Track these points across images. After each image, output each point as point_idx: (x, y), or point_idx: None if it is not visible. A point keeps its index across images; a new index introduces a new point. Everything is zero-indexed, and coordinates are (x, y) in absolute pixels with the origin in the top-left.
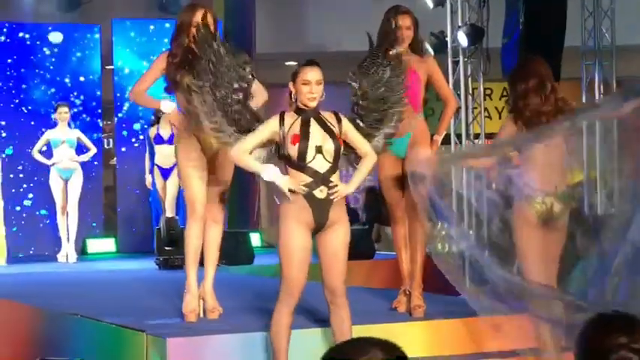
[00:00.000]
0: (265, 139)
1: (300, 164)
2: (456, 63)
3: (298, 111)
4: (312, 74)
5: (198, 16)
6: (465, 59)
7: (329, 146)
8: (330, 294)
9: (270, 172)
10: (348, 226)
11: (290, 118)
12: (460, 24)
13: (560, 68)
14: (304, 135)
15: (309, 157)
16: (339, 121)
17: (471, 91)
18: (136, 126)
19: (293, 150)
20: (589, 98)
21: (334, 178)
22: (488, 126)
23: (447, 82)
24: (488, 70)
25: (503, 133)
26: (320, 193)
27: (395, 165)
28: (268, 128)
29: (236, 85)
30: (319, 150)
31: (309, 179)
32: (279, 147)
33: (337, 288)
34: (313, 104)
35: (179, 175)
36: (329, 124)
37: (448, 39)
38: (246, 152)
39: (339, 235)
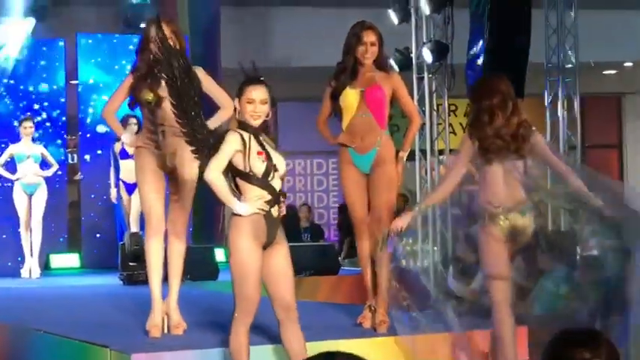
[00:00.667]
0: (230, 159)
1: (263, 181)
2: (420, 79)
3: (244, 126)
4: (257, 93)
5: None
6: (430, 75)
7: (281, 164)
8: (284, 311)
9: (245, 207)
10: (287, 245)
11: (244, 134)
12: (425, 40)
13: (524, 85)
14: (267, 152)
15: (271, 175)
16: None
17: (435, 107)
18: (101, 141)
19: (259, 166)
20: (553, 115)
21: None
22: (453, 142)
23: (412, 98)
24: (453, 87)
25: (462, 150)
26: (275, 211)
27: (360, 180)
28: (233, 146)
29: (196, 99)
30: (275, 168)
31: (269, 197)
32: (234, 165)
33: (291, 304)
34: (257, 123)
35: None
36: (271, 142)
37: (413, 55)
38: (221, 175)
39: (284, 252)
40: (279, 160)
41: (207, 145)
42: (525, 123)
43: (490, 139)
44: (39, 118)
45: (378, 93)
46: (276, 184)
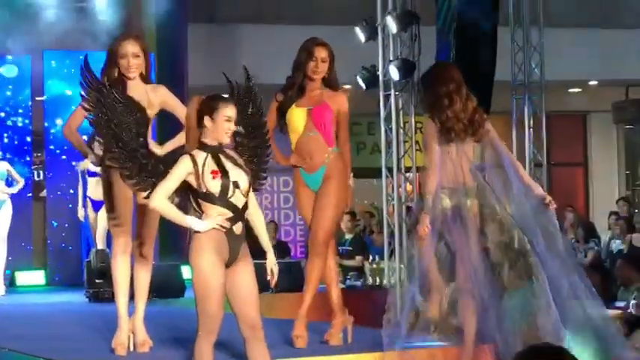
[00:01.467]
0: (180, 182)
1: (221, 199)
2: (387, 97)
3: (203, 147)
4: (232, 110)
5: (125, 47)
6: (397, 93)
7: (243, 181)
8: (250, 328)
9: (203, 224)
10: (251, 262)
11: (199, 155)
12: (392, 58)
13: (491, 102)
14: (223, 170)
15: (230, 193)
16: (240, 156)
17: (402, 125)
18: (65, 157)
19: (215, 185)
20: (519, 132)
21: (246, 213)
22: (419, 159)
23: (379, 115)
24: (419, 104)
25: (431, 135)
26: (237, 228)
27: (312, 200)
28: (183, 169)
29: (134, 131)
30: (236, 185)
31: (229, 214)
32: (192, 187)
33: (257, 322)
34: (228, 140)
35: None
36: (236, 159)
37: (380, 73)
38: (167, 200)
39: (249, 269)
40: (240, 176)
41: (155, 173)
42: (479, 109)
43: (452, 120)
44: (5, 135)
45: (325, 111)
46: (238, 200)
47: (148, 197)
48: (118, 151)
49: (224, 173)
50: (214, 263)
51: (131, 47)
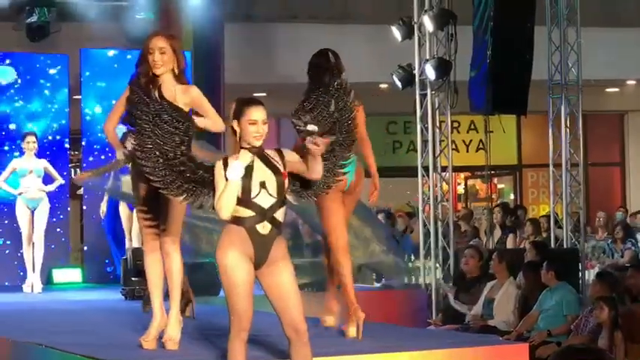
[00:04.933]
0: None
1: (244, 199)
2: (423, 96)
3: (242, 151)
4: (259, 114)
5: (153, 42)
6: (433, 92)
7: (272, 181)
8: (294, 332)
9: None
10: (291, 263)
11: (232, 160)
12: (428, 57)
13: (527, 102)
14: (247, 171)
15: (253, 193)
16: (281, 156)
17: (438, 124)
18: (104, 156)
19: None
20: (556, 132)
21: (279, 213)
22: (455, 159)
23: (415, 114)
24: (456, 103)
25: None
26: (262, 228)
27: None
28: (219, 175)
29: (177, 140)
30: (263, 185)
31: (252, 214)
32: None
33: (300, 326)
34: (259, 143)
35: None
36: (272, 161)
37: (416, 72)
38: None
39: (288, 271)
40: (269, 176)
41: (205, 182)
42: None
43: None
44: (43, 133)
45: None
46: (264, 200)
47: (200, 207)
48: (154, 160)
49: (247, 174)
50: (238, 259)
51: (158, 42)
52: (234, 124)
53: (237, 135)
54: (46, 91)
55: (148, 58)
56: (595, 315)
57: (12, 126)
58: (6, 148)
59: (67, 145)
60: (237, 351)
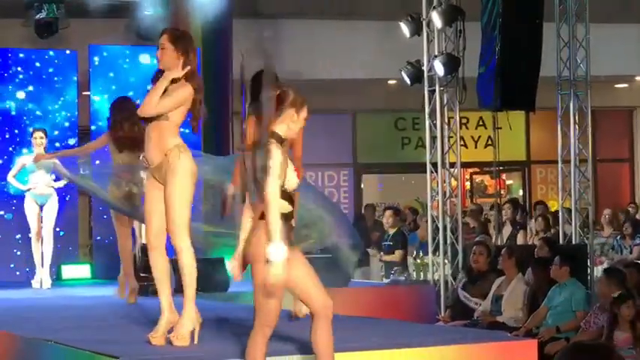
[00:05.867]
0: None
1: (290, 195)
2: (432, 92)
3: (279, 139)
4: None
5: (159, 39)
6: (441, 88)
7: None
8: (325, 308)
9: (281, 254)
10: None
11: (279, 146)
12: (436, 53)
13: (536, 98)
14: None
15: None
16: None
17: (446, 120)
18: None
19: (293, 182)
20: (565, 128)
21: None
22: (464, 155)
23: (424, 111)
24: (464, 100)
25: None
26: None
27: None
28: (277, 161)
29: None
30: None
31: (291, 208)
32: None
33: (329, 301)
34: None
35: None
36: None
37: (424, 68)
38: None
39: (301, 257)
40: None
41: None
42: None
43: None
44: (51, 129)
45: None
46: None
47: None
48: None
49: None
50: None
51: (161, 39)
52: (291, 113)
53: (281, 122)
54: (55, 87)
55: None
56: (622, 312)
57: (21, 122)
58: (14, 141)
59: (75, 141)
60: (258, 346)
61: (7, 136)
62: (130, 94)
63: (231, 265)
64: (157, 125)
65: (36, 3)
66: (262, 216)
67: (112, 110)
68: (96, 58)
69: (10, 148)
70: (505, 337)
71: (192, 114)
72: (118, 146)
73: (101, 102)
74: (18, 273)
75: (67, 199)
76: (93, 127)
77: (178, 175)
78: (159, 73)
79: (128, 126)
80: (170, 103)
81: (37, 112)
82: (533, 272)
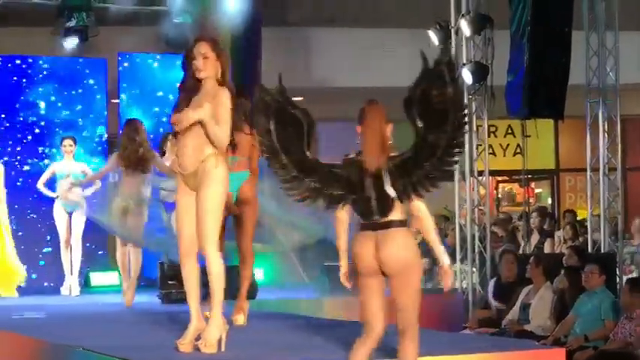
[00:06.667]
0: None
1: None
2: None
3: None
4: None
5: (196, 48)
6: (470, 96)
7: None
8: (413, 326)
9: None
10: None
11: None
12: (465, 61)
13: (564, 106)
14: None
15: None
16: None
17: (475, 128)
18: None
19: None
20: (593, 136)
21: None
22: (492, 163)
23: None
24: (493, 108)
25: None
26: None
27: None
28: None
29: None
30: None
31: None
32: None
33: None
34: None
35: None
36: None
37: None
38: None
39: None
40: None
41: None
42: None
43: None
44: (80, 137)
45: None
46: None
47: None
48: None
49: None
50: None
51: (201, 48)
52: (388, 128)
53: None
54: (84, 95)
55: (192, 63)
56: None
57: (50, 129)
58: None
59: (104, 148)
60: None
61: (36, 144)
62: (159, 94)
63: (342, 274)
64: (196, 132)
65: (66, 11)
66: (386, 225)
67: (122, 131)
68: (125, 64)
69: (45, 160)
70: (533, 345)
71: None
72: (125, 166)
73: (130, 109)
74: (50, 282)
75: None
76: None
77: (214, 183)
78: (192, 82)
79: (133, 147)
80: (228, 124)
81: (67, 120)
82: (564, 280)
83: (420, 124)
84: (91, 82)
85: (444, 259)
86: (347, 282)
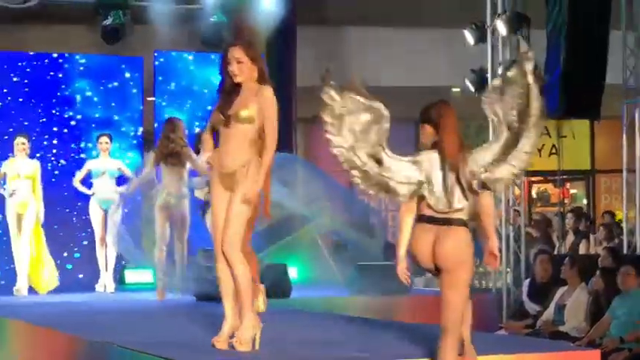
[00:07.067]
0: None
1: None
2: None
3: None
4: None
5: (230, 52)
6: None
7: None
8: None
9: None
10: None
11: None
12: (501, 61)
13: (601, 106)
14: None
15: None
16: None
17: None
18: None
19: None
20: (630, 137)
21: None
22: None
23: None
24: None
25: None
26: None
27: None
28: None
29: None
30: None
31: None
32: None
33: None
34: None
35: None
36: None
37: (489, 76)
38: None
39: None
40: None
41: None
42: None
43: None
44: (117, 135)
45: None
46: None
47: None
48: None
49: None
50: None
51: (235, 53)
52: (429, 127)
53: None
54: (120, 93)
55: (227, 67)
56: None
57: (86, 126)
58: (79, 145)
59: (139, 146)
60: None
61: (72, 140)
62: (195, 89)
63: (401, 269)
64: (241, 130)
65: (103, 9)
66: (449, 221)
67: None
68: (161, 62)
69: (81, 154)
70: (568, 346)
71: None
72: (163, 162)
73: (165, 108)
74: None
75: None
76: (158, 133)
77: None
78: (230, 85)
79: (166, 143)
80: (274, 118)
81: (102, 117)
82: (599, 282)
83: (501, 115)
84: (127, 79)
85: (495, 241)
86: (405, 276)
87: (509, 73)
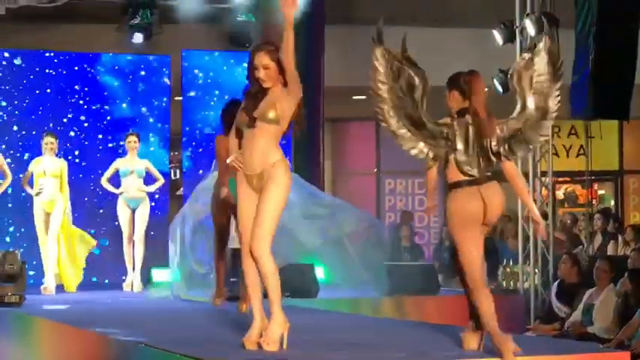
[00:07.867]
0: None
1: None
2: None
3: None
4: None
5: (255, 58)
6: None
7: None
8: None
9: None
10: None
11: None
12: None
13: (630, 106)
14: None
15: None
16: None
17: None
18: (203, 157)
19: None
20: None
21: None
22: (555, 164)
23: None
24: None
25: None
26: None
27: None
28: None
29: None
30: None
31: None
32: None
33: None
34: None
35: None
36: None
37: None
38: None
39: None
40: None
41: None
42: None
43: None
44: (144, 134)
45: None
46: None
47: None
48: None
49: None
50: None
51: (262, 60)
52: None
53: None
54: (148, 92)
55: (255, 73)
56: None
57: (114, 125)
58: (107, 144)
59: (167, 145)
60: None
61: (100, 138)
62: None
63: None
64: (267, 130)
65: (131, 9)
66: (487, 179)
67: (223, 114)
68: (189, 61)
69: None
70: (596, 348)
71: (296, 122)
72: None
73: (192, 107)
74: (112, 277)
75: (157, 201)
76: (184, 132)
77: (279, 188)
78: (257, 88)
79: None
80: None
81: (130, 116)
82: (628, 283)
83: (528, 84)
84: (155, 78)
85: (536, 211)
86: (433, 210)
87: (540, 45)
